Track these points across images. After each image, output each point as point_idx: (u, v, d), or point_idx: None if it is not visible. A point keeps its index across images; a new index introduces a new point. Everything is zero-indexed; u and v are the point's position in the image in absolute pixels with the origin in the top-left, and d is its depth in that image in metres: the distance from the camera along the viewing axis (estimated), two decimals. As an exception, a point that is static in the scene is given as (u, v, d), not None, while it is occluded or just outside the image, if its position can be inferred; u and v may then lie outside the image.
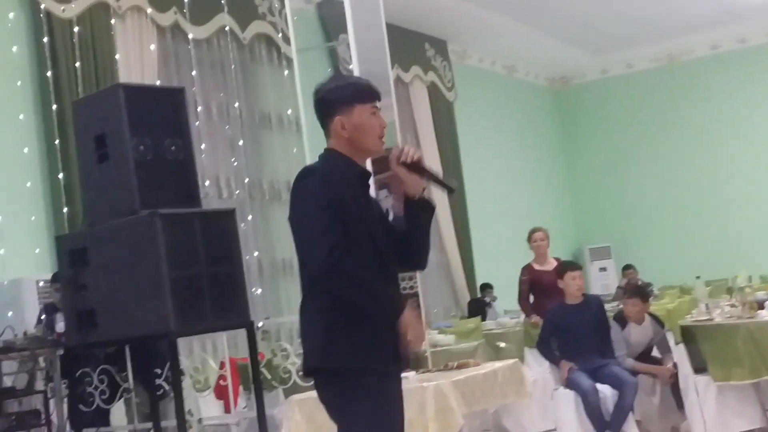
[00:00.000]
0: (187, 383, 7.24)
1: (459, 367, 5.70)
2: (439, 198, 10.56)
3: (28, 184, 8.12)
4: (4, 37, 8.21)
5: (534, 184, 16.13)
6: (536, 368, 7.96)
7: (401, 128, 9.52)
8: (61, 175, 8.12)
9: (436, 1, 12.47)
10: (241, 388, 7.81)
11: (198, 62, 9.81)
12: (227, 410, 7.72)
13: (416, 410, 4.82)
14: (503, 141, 15.47)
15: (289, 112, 10.70)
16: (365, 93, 3.19)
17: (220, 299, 6.14)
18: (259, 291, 9.84)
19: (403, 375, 3.39)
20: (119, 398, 7.31)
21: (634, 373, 6.96)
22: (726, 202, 15.92)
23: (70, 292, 6.33)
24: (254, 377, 6.56)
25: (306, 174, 3.10)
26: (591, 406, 6.73)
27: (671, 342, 6.91)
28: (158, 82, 8.96)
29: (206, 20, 9.83)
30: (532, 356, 8.04)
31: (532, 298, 8.77)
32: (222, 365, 7.70)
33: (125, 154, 6.06)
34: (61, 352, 6.55)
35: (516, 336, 8.56)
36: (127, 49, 8.83)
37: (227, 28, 10.00)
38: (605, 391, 6.81)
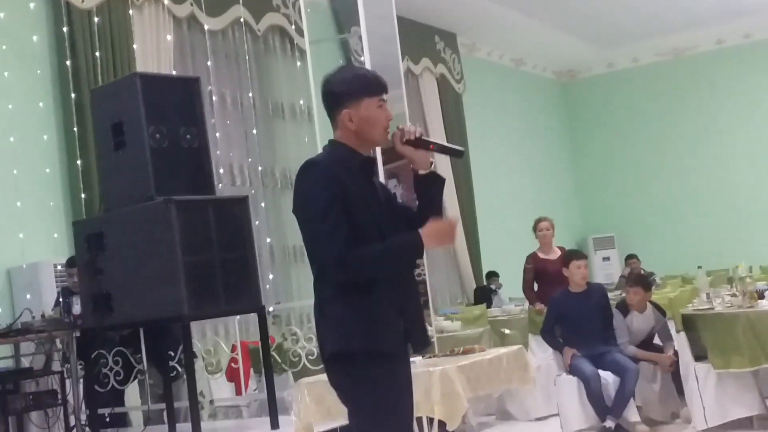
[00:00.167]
0: (199, 365, 7.27)
1: (465, 352, 5.70)
2: (447, 193, 10.53)
3: (47, 171, 8.15)
4: (25, 26, 8.23)
5: (540, 174, 16.10)
6: (540, 354, 7.95)
7: (411, 119, 9.49)
8: (79, 162, 8.14)
9: (446, -5, 12.46)
10: (251, 370, 7.82)
11: (213, 53, 9.80)
12: (238, 392, 7.74)
13: (422, 394, 4.82)
14: (510, 132, 15.44)
15: (302, 102, 10.70)
16: (373, 86, 3.16)
17: (232, 284, 6.16)
18: (271, 276, 9.86)
19: (411, 359, 3.38)
20: (133, 379, 7.34)
21: (636, 360, 6.96)
22: (728, 193, 15.88)
23: (87, 276, 6.36)
24: (265, 360, 6.59)
25: (307, 168, 3.08)
26: (593, 392, 6.73)
27: (672, 330, 6.89)
28: (174, 72, 8.95)
29: (221, 12, 9.83)
30: (536, 343, 8.03)
31: (536, 286, 8.76)
32: (233, 348, 7.73)
33: (141, 142, 6.08)
34: (77, 334, 6.57)
35: (520, 323, 8.56)
36: (144, 40, 8.83)
37: (242, 20, 9.99)
38: (607, 377, 6.81)
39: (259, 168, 10.20)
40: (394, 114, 3.26)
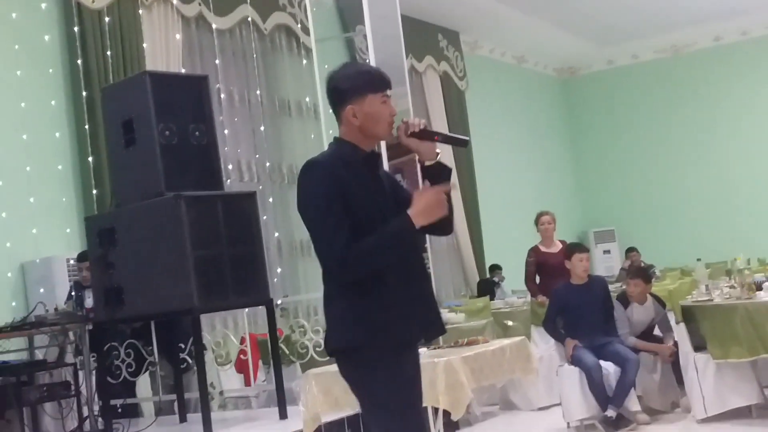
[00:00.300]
0: (209, 357, 7.29)
1: (469, 343, 5.70)
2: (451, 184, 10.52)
3: (60, 167, 8.15)
4: (37, 26, 8.23)
5: (541, 169, 16.09)
6: (542, 345, 7.95)
7: (415, 116, 9.49)
8: (90, 159, 8.14)
9: (449, -6, 12.45)
10: (260, 362, 7.83)
11: (221, 51, 9.80)
12: (247, 383, 7.75)
13: (427, 384, 4.82)
14: (512, 128, 15.43)
15: (308, 99, 10.69)
16: (377, 82, 3.14)
17: (241, 278, 6.16)
18: (279, 270, 9.86)
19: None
20: (145, 371, 7.36)
21: (636, 350, 6.96)
22: (726, 188, 15.86)
23: (99, 270, 6.37)
24: (273, 352, 6.60)
25: (307, 168, 3.05)
26: (594, 382, 6.73)
27: (672, 321, 6.88)
28: (183, 71, 8.95)
29: (229, 11, 9.82)
30: (539, 334, 8.03)
31: (538, 279, 8.76)
32: (242, 341, 7.74)
33: (151, 139, 6.08)
34: (90, 327, 6.58)
35: (523, 315, 8.56)
36: (154, 39, 8.83)
37: (249, 19, 9.99)
38: (608, 367, 6.80)
39: (267, 164, 10.20)
40: (399, 111, 3.25)
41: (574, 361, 6.92)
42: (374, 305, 3.01)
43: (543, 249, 8.77)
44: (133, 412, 7.36)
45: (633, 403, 6.73)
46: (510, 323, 8.53)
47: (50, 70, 8.25)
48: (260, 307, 6.72)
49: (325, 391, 5.20)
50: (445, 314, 8.12)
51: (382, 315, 3.01)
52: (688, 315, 6.64)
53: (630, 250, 13.89)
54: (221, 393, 7.59)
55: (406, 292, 3.07)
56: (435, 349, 5.64)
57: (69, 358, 6.85)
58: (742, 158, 15.81)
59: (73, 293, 7.20)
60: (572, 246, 7.74)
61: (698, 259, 7.53)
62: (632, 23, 15.08)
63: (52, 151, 8.14)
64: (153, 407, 7.43)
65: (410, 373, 3.12)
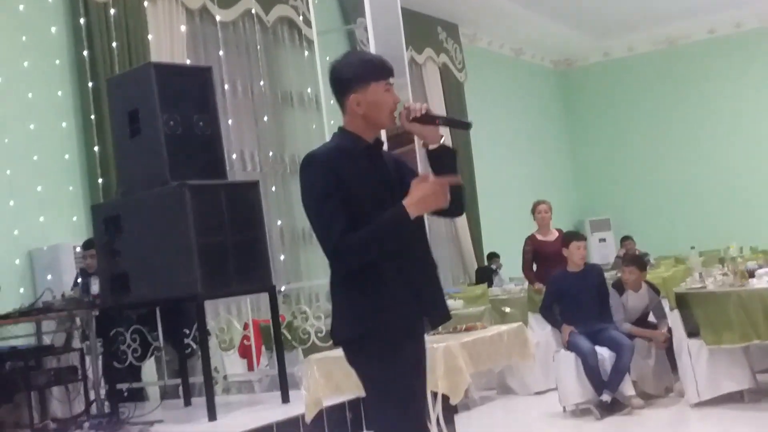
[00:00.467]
0: (213, 343, 7.30)
1: (467, 329, 5.70)
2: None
3: (66, 156, 8.15)
4: (44, 18, 8.22)
5: (538, 159, 16.08)
6: (539, 331, 7.95)
7: (414, 106, 9.48)
8: (96, 148, 8.14)
9: (449, -13, 12.43)
10: (263, 347, 7.84)
11: (224, 43, 9.79)
12: (250, 368, 7.76)
13: (427, 369, 4.82)
14: (510, 119, 15.41)
15: (309, 90, 10.68)
16: (380, 70, 3.09)
17: (244, 265, 6.16)
18: (282, 257, 9.87)
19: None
20: (150, 356, 7.37)
21: (631, 336, 6.95)
22: (719, 178, 15.85)
23: (105, 257, 6.37)
24: (275, 338, 6.60)
25: (307, 162, 3.02)
26: (590, 367, 6.73)
27: (666, 308, 6.88)
28: (187, 62, 8.94)
29: (232, 4, 9.82)
30: (535, 320, 8.03)
31: (535, 267, 8.75)
32: (245, 326, 7.75)
33: (156, 129, 6.07)
34: (96, 312, 6.59)
35: (520, 301, 8.56)
36: (158, 31, 8.82)
37: (252, 11, 9.98)
38: (603, 353, 6.81)
39: (270, 154, 10.20)
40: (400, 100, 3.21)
41: (570, 346, 6.92)
42: (374, 296, 2.98)
43: (540, 237, 8.76)
44: (138, 396, 7.39)
45: (628, 388, 6.74)
46: (507, 310, 8.52)
47: (57, 61, 8.24)
48: (263, 293, 6.72)
49: (326, 376, 5.20)
50: (444, 301, 8.12)
51: (382, 306, 2.98)
52: (682, 302, 6.64)
53: (625, 239, 13.88)
54: (225, 377, 7.60)
55: (407, 281, 3.03)
56: (434, 334, 5.64)
57: (76, 343, 6.86)
58: (736, 149, 15.81)
59: (79, 280, 7.21)
60: (570, 234, 7.75)
61: (692, 248, 7.53)
62: (628, 16, 15.07)
63: (59, 140, 8.14)
64: (158, 391, 7.44)
65: (412, 363, 3.08)
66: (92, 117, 8.16)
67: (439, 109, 13.16)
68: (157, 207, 6.11)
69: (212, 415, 5.90)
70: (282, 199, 10.28)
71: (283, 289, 8.27)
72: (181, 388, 7.15)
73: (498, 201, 14.09)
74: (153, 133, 6.10)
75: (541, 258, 8.61)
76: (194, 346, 7.09)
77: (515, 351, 5.68)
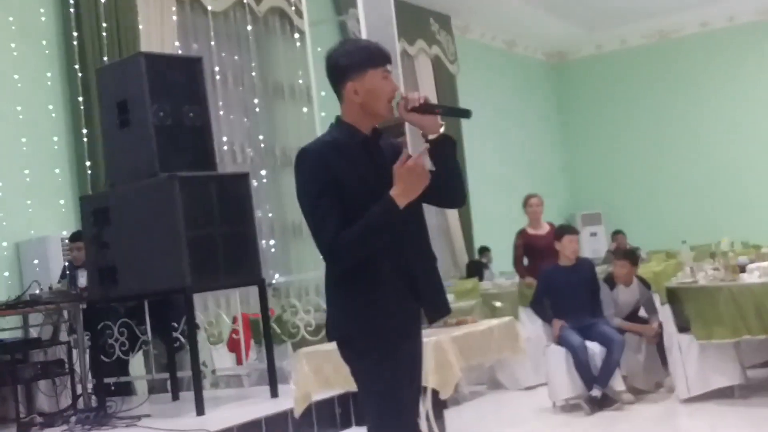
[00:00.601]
0: (201, 336, 7.27)
1: (458, 324, 5.70)
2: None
3: (55, 139, 8.12)
4: (33, 1, 8.18)
5: (530, 153, 16.08)
6: (529, 326, 7.95)
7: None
8: (84, 131, 8.10)
9: (441, -22, 12.39)
10: (252, 341, 7.82)
11: (215, 33, 9.75)
12: (239, 362, 7.74)
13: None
14: (502, 112, 15.38)
15: (301, 81, 10.63)
16: (377, 57, 3.03)
17: (233, 258, 6.14)
18: (272, 251, 9.85)
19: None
20: (138, 350, 7.35)
21: (622, 331, 6.96)
22: (710, 172, 15.87)
23: (93, 249, 6.34)
24: (265, 331, 6.59)
25: (300, 157, 2.96)
26: (580, 362, 6.73)
27: (657, 303, 6.88)
28: (178, 52, 8.90)
29: (223, -7, 9.77)
30: (526, 315, 8.03)
31: (526, 261, 8.76)
32: (234, 320, 7.72)
33: (146, 120, 6.04)
34: (84, 305, 6.56)
35: (511, 296, 8.56)
36: (149, 20, 8.77)
37: (244, 1, 9.93)
38: (594, 348, 6.81)
39: (261, 146, 10.16)
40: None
41: (561, 341, 6.93)
42: (370, 295, 2.95)
43: (531, 231, 8.76)
44: (126, 390, 7.37)
45: (618, 383, 6.74)
46: (498, 304, 8.52)
47: (44, 43, 8.19)
48: (253, 286, 6.70)
49: (315, 370, 5.19)
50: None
51: (377, 305, 2.95)
52: (673, 297, 6.65)
53: (616, 233, 13.90)
54: (213, 371, 7.58)
55: (405, 275, 3.00)
56: (425, 329, 5.63)
57: (63, 336, 6.83)
58: (728, 143, 15.82)
59: (67, 272, 7.18)
60: (562, 228, 7.74)
61: (683, 242, 7.53)
62: (621, 9, 15.05)
63: (47, 124, 8.10)
64: (146, 385, 7.43)
65: (404, 362, 3.04)
66: (80, 99, 8.12)
67: (431, 100, 13.13)
68: (146, 199, 6.08)
69: (200, 410, 5.89)
70: (272, 191, 10.24)
71: (274, 281, 8.25)
72: (169, 382, 7.13)
73: (489, 194, 14.08)
74: (142, 124, 6.07)
75: (532, 252, 8.61)
76: (183, 340, 7.07)
77: (506, 345, 5.68)
